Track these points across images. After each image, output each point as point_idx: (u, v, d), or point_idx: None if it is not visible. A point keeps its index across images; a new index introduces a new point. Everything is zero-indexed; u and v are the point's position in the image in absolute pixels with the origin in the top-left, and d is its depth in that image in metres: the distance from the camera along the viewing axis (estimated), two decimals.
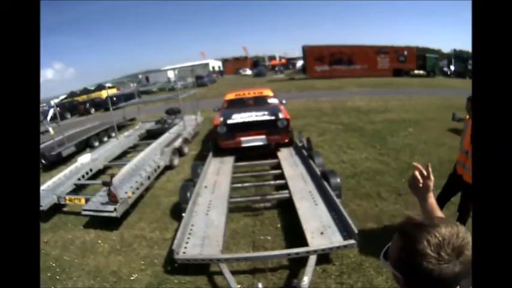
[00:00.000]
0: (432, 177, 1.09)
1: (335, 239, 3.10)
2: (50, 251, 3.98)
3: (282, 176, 4.92)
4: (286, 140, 6.10)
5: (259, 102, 7.24)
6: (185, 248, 3.20)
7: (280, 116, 5.96)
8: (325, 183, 4.08)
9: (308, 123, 9.53)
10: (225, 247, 3.38)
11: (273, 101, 7.38)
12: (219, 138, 6.03)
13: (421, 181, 1.10)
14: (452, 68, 27.38)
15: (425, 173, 1.10)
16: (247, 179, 5.31)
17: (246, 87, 12.01)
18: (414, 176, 1.11)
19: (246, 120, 5.91)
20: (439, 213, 1.06)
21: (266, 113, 6.05)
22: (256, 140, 5.84)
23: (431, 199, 1.09)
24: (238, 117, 6.00)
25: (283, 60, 50.61)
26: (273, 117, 5.91)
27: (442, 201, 3.16)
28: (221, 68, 53.85)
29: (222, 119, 6.08)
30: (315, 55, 27.49)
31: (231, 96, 7.96)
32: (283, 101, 7.73)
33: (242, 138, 5.85)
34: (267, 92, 7.90)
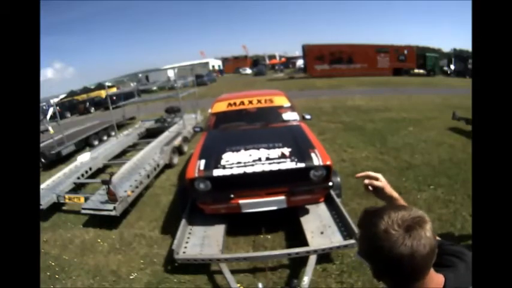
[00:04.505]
0: (378, 176, 1.18)
1: (335, 238, 3.10)
2: (49, 250, 3.99)
3: None
4: (322, 200, 3.68)
5: (269, 120, 4.53)
6: (185, 247, 3.20)
7: (315, 160, 3.27)
8: None
9: (308, 122, 9.51)
10: (225, 246, 3.38)
11: (292, 116, 4.66)
12: (199, 199, 3.45)
13: (372, 184, 1.20)
14: (452, 67, 27.44)
15: (371, 176, 1.19)
16: None
17: (247, 86, 11.87)
18: (365, 185, 1.21)
19: (250, 170, 3.24)
20: (401, 202, 1.13)
21: (287, 151, 3.41)
22: (269, 204, 3.33)
23: (393, 193, 1.18)
24: (234, 161, 3.37)
25: (283, 59, 50.58)
26: (302, 165, 3.23)
27: None
28: (221, 67, 53.85)
29: (203, 163, 3.39)
30: (315, 54, 27.51)
31: (221, 106, 4.93)
32: (307, 116, 4.93)
33: (242, 202, 3.32)
34: (280, 100, 4.95)
